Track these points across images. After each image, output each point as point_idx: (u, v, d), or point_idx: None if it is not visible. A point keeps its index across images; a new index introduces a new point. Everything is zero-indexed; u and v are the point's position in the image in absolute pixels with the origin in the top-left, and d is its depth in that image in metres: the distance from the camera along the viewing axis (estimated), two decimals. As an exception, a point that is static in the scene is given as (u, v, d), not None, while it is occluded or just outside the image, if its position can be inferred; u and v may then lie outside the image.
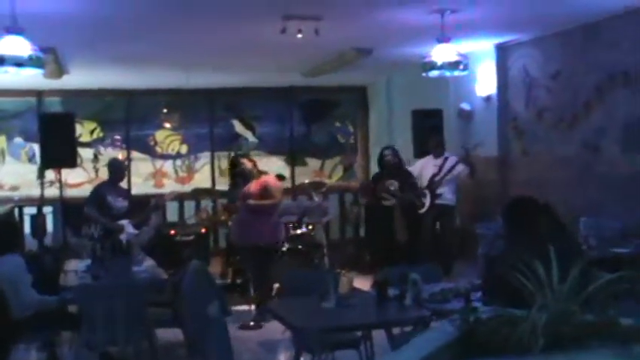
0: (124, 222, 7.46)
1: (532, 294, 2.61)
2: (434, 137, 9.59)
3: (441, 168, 9.04)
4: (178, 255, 8.20)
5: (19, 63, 6.33)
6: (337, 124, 13.50)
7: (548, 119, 8.91)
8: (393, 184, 8.68)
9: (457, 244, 9.29)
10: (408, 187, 8.77)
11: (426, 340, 2.83)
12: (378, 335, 5.17)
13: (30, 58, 6.36)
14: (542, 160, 9.04)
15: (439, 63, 7.53)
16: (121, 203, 7.60)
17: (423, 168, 9.28)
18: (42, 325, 5.80)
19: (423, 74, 7.66)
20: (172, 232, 9.29)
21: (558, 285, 2.59)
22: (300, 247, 8.71)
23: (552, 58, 8.81)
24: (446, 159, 9.18)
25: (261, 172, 8.02)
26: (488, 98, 9.78)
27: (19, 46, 6.22)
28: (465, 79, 9.90)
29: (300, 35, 7.58)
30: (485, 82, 9.79)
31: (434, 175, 8.98)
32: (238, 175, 8.23)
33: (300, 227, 8.96)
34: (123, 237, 7.21)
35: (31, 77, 8.63)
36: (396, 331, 5.01)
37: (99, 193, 7.73)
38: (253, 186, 7.85)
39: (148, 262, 6.83)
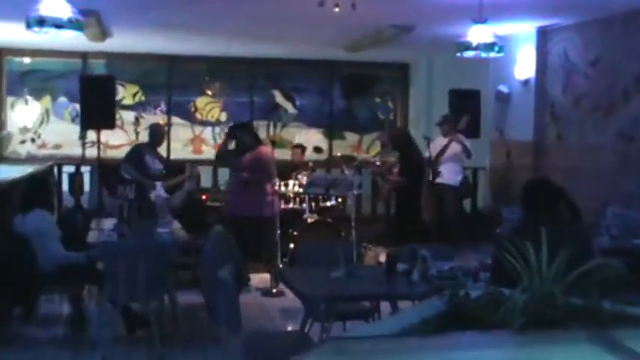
0: (158, 183, 7.70)
1: (519, 275, 2.73)
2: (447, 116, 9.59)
3: (444, 148, 9.09)
4: (206, 220, 8.39)
5: (58, 25, 6.55)
6: (377, 100, 13.56)
7: (585, 106, 8.89)
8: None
9: (456, 224, 9.20)
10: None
11: (416, 311, 2.97)
12: (387, 309, 5.32)
13: (69, 20, 6.56)
14: (577, 147, 9.02)
15: (474, 44, 7.54)
16: (158, 165, 7.89)
17: (434, 148, 9.30)
18: (67, 278, 6.07)
19: (458, 54, 7.68)
20: (204, 197, 9.51)
21: (547, 268, 2.68)
22: (328, 219, 8.84)
23: (592, 44, 8.77)
24: (451, 140, 9.18)
25: (259, 143, 8.04)
26: (526, 82, 9.77)
27: (59, 8, 6.42)
28: (505, 62, 9.91)
29: (337, 9, 7.65)
30: (524, 66, 9.78)
31: (437, 155, 9.03)
32: (237, 144, 8.05)
33: (329, 200, 9.09)
34: (153, 195, 7.44)
35: (76, 39, 8.87)
36: (403, 305, 5.14)
37: (138, 151, 8.01)
38: (247, 157, 7.82)
39: (174, 225, 7.04)
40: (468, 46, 7.58)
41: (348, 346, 2.54)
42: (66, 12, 6.51)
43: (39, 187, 6.37)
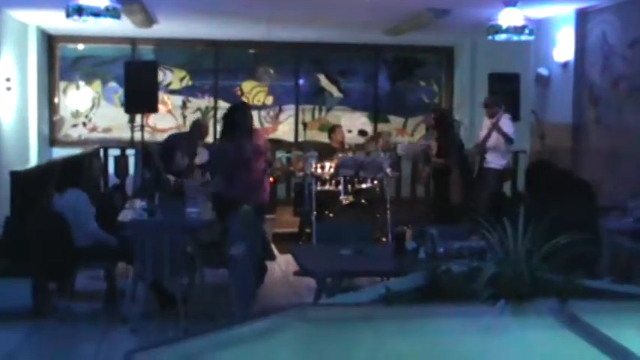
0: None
1: (492, 248, 2.88)
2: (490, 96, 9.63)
3: (489, 131, 9.16)
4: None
5: (96, 13, 6.88)
6: (422, 83, 13.63)
7: (623, 88, 8.83)
8: None
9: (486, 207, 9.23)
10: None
11: (396, 283, 3.13)
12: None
13: (107, 9, 6.90)
14: (615, 130, 8.97)
15: (504, 27, 7.61)
16: (185, 162, 8.12)
17: (482, 130, 9.33)
18: (101, 255, 6.42)
19: (489, 37, 7.76)
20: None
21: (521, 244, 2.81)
22: (363, 200, 9.01)
23: (630, 25, 8.69)
24: (497, 121, 9.24)
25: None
26: (565, 64, 9.73)
27: (97, -3, 6.76)
28: (544, 44, 9.91)
29: (368, -6, 7.81)
30: (563, 48, 9.73)
31: (483, 139, 9.10)
32: (236, 123, 7.38)
33: (365, 182, 9.23)
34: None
35: (124, 26, 9.25)
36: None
37: (171, 145, 8.27)
38: (260, 140, 7.51)
39: (204, 205, 7.26)
40: (498, 29, 7.66)
41: (312, 313, 2.69)
42: (103, 1, 6.85)
43: (72, 168, 6.74)
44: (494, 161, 9.33)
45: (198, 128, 8.79)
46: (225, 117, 7.60)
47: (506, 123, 9.26)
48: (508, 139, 9.20)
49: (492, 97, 9.58)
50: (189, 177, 8.03)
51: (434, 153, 9.35)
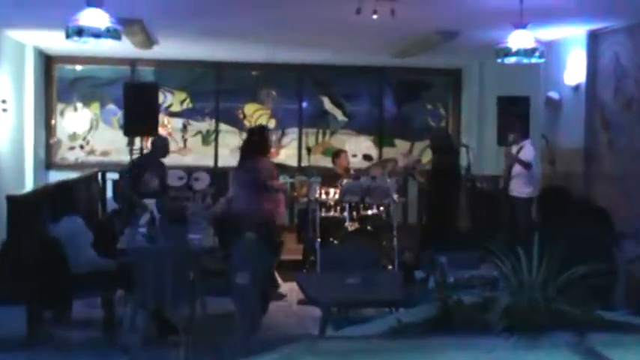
0: (151, 202, 7.95)
1: (507, 277, 2.86)
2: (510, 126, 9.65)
3: (511, 162, 9.17)
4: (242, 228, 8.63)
5: (96, 34, 6.91)
6: (429, 106, 13.65)
7: (636, 111, 8.84)
8: None
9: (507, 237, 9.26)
10: None
11: (407, 314, 3.11)
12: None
13: (107, 30, 6.90)
14: (628, 154, 8.97)
15: (514, 49, 7.61)
16: (155, 183, 8.15)
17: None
18: (99, 282, 6.40)
19: (498, 60, 7.76)
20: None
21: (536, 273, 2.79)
22: (368, 227, 8.98)
23: (642, 48, 8.74)
24: (520, 148, 9.25)
25: None
26: (577, 87, 9.75)
27: (97, 18, 6.75)
28: (556, 67, 9.93)
29: (375, 16, 7.82)
30: (575, 71, 9.76)
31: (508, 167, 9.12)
32: (257, 146, 8.27)
33: (370, 208, 9.22)
34: (143, 219, 7.63)
35: (124, 47, 9.28)
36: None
37: (138, 167, 8.31)
38: (272, 164, 8.30)
39: (206, 232, 7.26)
40: (507, 52, 7.64)
41: (321, 346, 2.68)
42: (104, 22, 6.86)
43: (71, 192, 6.74)
44: (518, 189, 9.27)
45: (161, 146, 8.80)
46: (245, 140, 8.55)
47: (528, 149, 9.24)
48: (526, 166, 9.19)
49: (511, 121, 9.57)
50: (164, 198, 8.10)
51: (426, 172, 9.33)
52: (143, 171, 8.22)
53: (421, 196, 9.92)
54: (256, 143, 8.24)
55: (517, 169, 9.21)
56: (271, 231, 8.02)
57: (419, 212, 10.34)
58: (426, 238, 8.79)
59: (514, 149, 9.39)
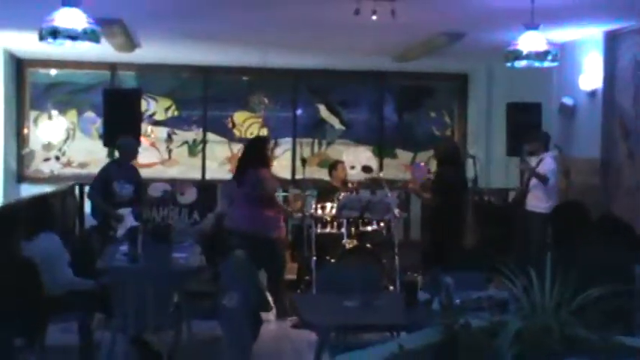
0: (126, 211, 7.95)
1: (518, 299, 2.85)
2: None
3: (529, 175, 9.19)
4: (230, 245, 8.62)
5: (73, 36, 6.89)
6: (432, 114, 13.66)
7: (657, 120, 8.87)
8: None
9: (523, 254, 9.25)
10: None
11: (409, 339, 3.10)
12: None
13: (85, 31, 6.86)
14: (648, 165, 8.99)
15: (525, 52, 7.61)
16: (127, 190, 8.13)
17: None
18: (76, 305, 6.35)
19: (508, 64, 7.76)
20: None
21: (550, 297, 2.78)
22: (367, 245, 8.96)
23: (664, 50, 8.75)
24: (540, 160, 9.26)
25: None
26: (593, 93, 9.76)
27: (74, 18, 6.73)
28: (570, 71, 9.95)
29: (374, 17, 7.84)
30: (591, 75, 9.76)
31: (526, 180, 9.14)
32: (259, 156, 8.41)
33: (370, 224, 9.20)
34: (120, 230, 7.63)
35: (104, 50, 9.28)
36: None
37: (105, 174, 8.29)
38: (275, 176, 8.54)
39: (194, 250, 7.24)
40: (518, 55, 7.63)
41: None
42: (81, 22, 6.83)
43: (41, 209, 6.71)
44: (535, 204, 9.23)
45: (127, 149, 8.77)
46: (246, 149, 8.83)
47: (547, 162, 9.23)
48: (543, 179, 9.15)
49: (528, 131, 9.58)
50: (140, 206, 8.12)
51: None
52: (112, 179, 8.20)
53: (424, 210, 9.90)
54: (258, 153, 8.38)
55: (534, 181, 9.20)
56: (277, 247, 8.27)
57: (422, 228, 10.30)
58: (429, 256, 8.76)
59: (533, 161, 9.38)
